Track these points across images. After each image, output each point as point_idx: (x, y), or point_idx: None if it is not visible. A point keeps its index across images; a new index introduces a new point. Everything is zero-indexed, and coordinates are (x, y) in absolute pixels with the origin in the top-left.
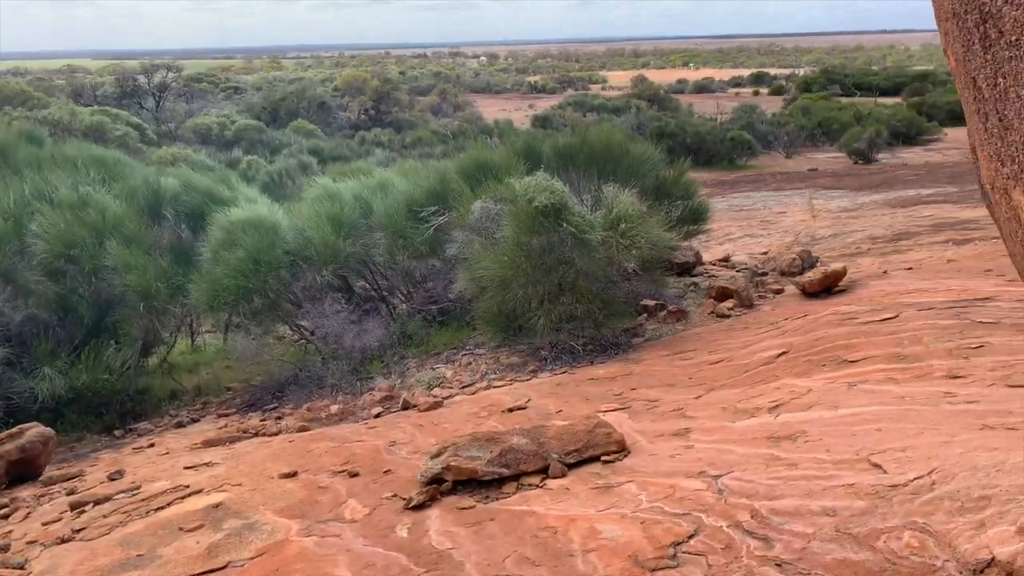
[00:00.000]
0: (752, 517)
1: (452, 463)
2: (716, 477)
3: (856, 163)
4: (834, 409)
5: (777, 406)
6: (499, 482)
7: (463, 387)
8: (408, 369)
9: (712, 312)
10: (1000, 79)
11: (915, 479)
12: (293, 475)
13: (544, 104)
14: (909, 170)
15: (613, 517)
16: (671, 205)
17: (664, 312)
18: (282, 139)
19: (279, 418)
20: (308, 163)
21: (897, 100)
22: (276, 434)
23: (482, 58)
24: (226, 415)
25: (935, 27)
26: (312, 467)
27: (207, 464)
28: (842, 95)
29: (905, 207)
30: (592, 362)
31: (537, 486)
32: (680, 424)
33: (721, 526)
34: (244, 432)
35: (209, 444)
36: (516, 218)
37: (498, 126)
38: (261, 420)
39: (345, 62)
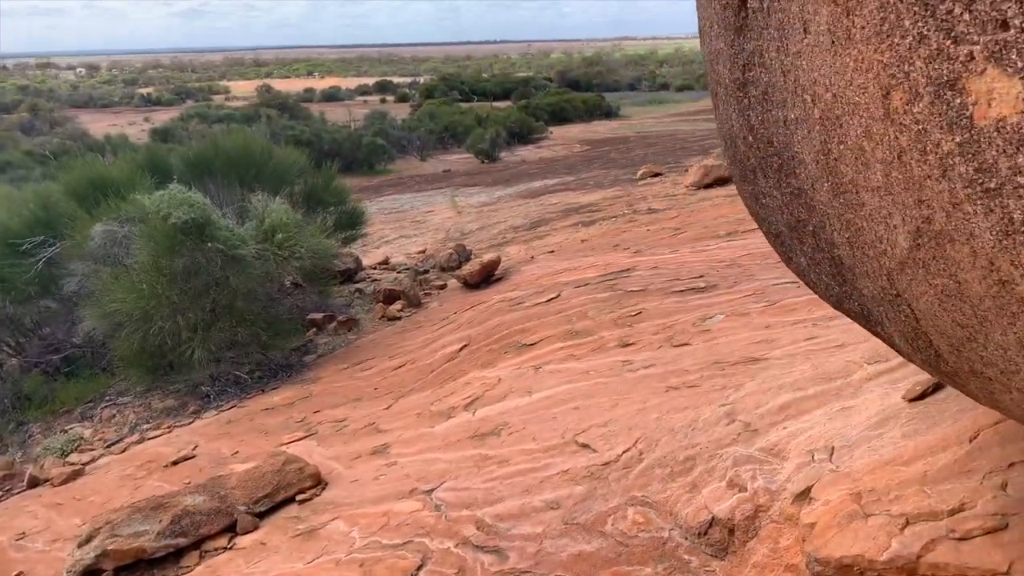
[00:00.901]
0: (479, 529)
1: (110, 546)
2: (429, 492)
3: (483, 162)
4: (528, 395)
5: (473, 401)
6: (176, 555)
7: (109, 446)
8: (31, 437)
9: (383, 316)
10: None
11: (624, 452)
12: None
13: (162, 117)
14: (530, 165)
15: (326, 567)
16: (325, 211)
17: (334, 323)
18: None
19: None
20: None
21: (508, 103)
22: None
23: (80, 70)
24: None
25: (527, 38)
26: None
27: None
28: (462, 100)
29: (535, 197)
30: (264, 390)
31: (226, 548)
32: (376, 440)
33: (449, 547)
34: None
35: None
36: (151, 239)
37: (110, 142)
38: None
39: None
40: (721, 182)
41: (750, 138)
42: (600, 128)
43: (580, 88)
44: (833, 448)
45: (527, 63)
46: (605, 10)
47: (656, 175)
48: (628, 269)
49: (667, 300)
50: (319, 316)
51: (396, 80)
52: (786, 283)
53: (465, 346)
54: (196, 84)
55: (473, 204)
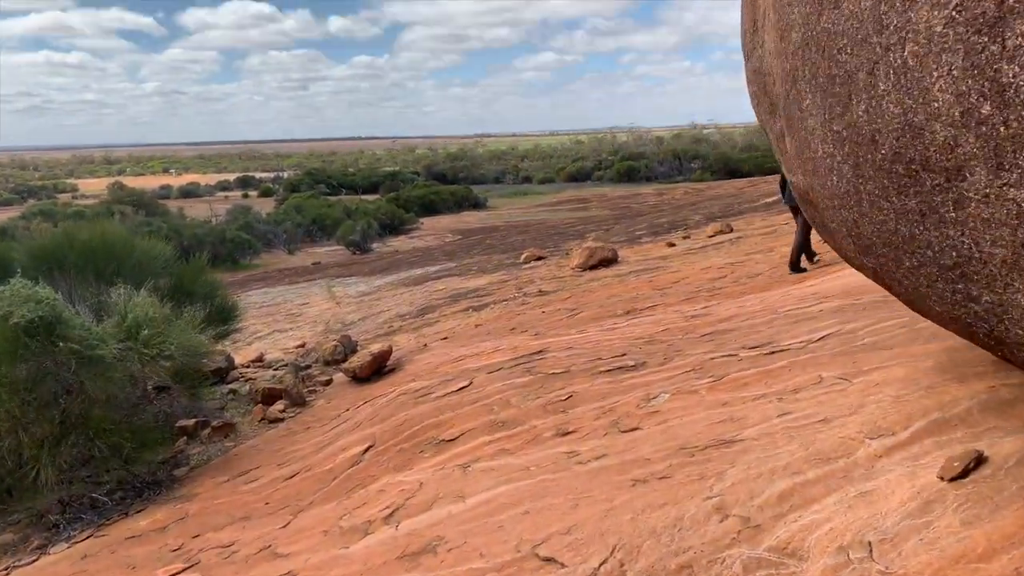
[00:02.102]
0: None
1: None
2: None
3: (354, 253)
4: (462, 500)
5: (393, 512)
6: None
7: None
8: None
9: (263, 418)
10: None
11: (601, 565)
12: None
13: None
14: (406, 254)
15: None
16: (194, 306)
17: (207, 429)
18: None
19: None
20: None
21: (377, 196)
22: None
23: None
24: None
25: (391, 134)
26: None
27: None
28: (329, 194)
29: (419, 284)
30: (128, 513)
31: None
32: (277, 569)
33: None
34: None
35: None
36: None
37: None
38: None
39: None
40: (606, 263)
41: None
42: (470, 218)
43: (447, 181)
44: (870, 543)
45: (393, 158)
46: (466, 109)
47: (539, 258)
48: (541, 351)
49: (597, 381)
50: (190, 422)
51: (259, 175)
52: (724, 357)
53: (370, 447)
54: (39, 182)
55: (352, 294)
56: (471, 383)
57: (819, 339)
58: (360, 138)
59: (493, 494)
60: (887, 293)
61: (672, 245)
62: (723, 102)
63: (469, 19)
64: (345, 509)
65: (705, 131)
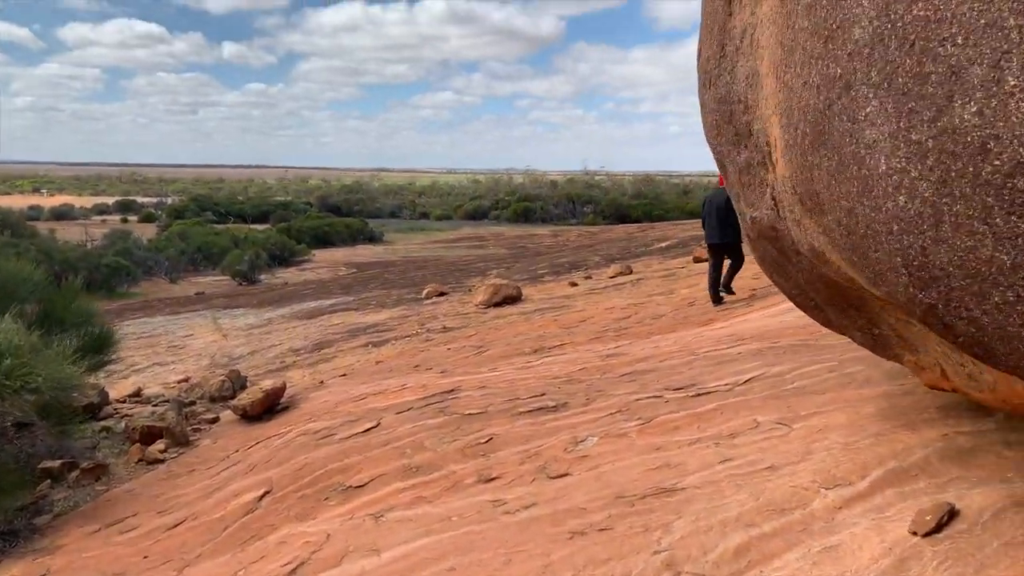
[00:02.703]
0: None
1: None
2: None
3: (240, 284)
4: (376, 555)
5: (297, 568)
6: None
7: None
8: None
9: (140, 459)
10: None
11: None
12: None
13: None
14: (297, 287)
15: None
16: (66, 335)
17: (76, 472)
18: None
19: None
20: None
21: (267, 226)
22: None
23: None
24: None
25: (284, 164)
26: None
27: None
28: (216, 222)
29: (313, 318)
30: None
31: None
32: None
33: None
34: None
35: None
36: None
37: None
38: None
39: None
40: (510, 300)
41: None
42: (365, 252)
43: (341, 213)
44: None
45: (285, 188)
46: (364, 142)
47: (442, 294)
48: (453, 390)
49: (518, 422)
50: (55, 463)
51: (141, 200)
52: (650, 398)
53: (267, 493)
54: None
55: (240, 326)
56: (379, 424)
57: (745, 382)
58: (251, 166)
59: (412, 547)
60: (806, 337)
61: (575, 284)
62: (614, 150)
63: (368, 54)
64: (240, 564)
65: (597, 177)
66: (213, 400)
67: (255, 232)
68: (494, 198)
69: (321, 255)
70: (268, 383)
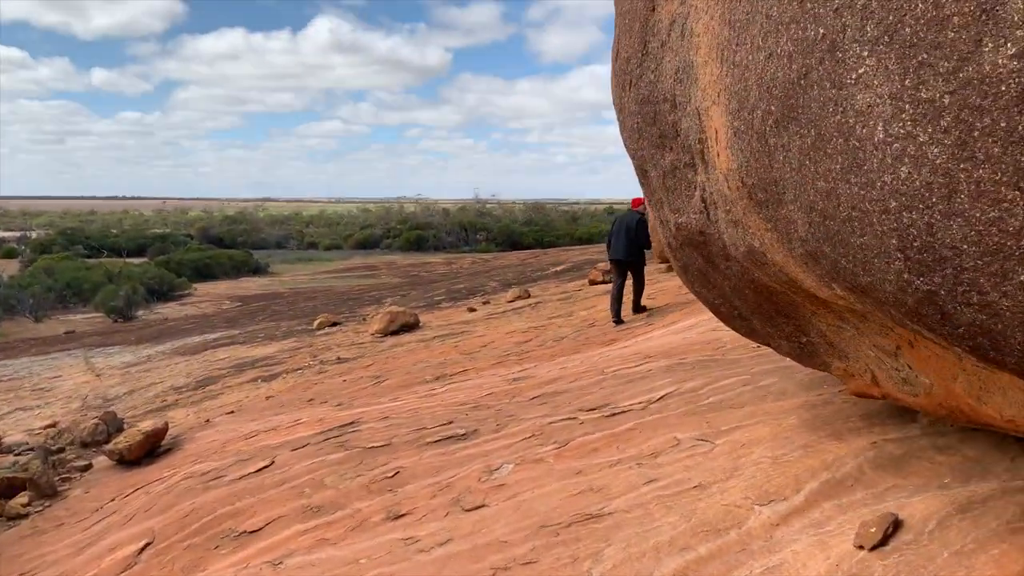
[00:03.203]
0: None
1: None
2: None
3: (116, 321)
4: None
5: None
6: None
7: None
8: None
9: (1, 515)
10: None
11: None
12: None
13: None
14: (178, 321)
15: None
16: None
17: None
18: None
19: None
20: None
21: (144, 259)
22: None
23: None
24: None
25: (161, 195)
26: None
27: None
28: (88, 256)
29: (197, 353)
30: None
31: None
32: None
33: None
34: None
35: None
36: None
37: None
38: None
39: None
40: (408, 328)
41: None
42: (250, 284)
43: (224, 245)
44: None
45: (163, 220)
46: (247, 172)
47: (335, 324)
48: (353, 422)
49: (426, 454)
50: None
51: (0, 234)
52: (563, 420)
53: (148, 544)
54: None
55: (116, 365)
56: (273, 462)
57: (659, 399)
58: (126, 197)
59: None
60: (712, 353)
61: (473, 310)
62: (503, 179)
63: (250, 83)
64: None
65: (488, 205)
66: (85, 445)
67: (131, 266)
68: (385, 227)
69: (203, 288)
70: (148, 424)
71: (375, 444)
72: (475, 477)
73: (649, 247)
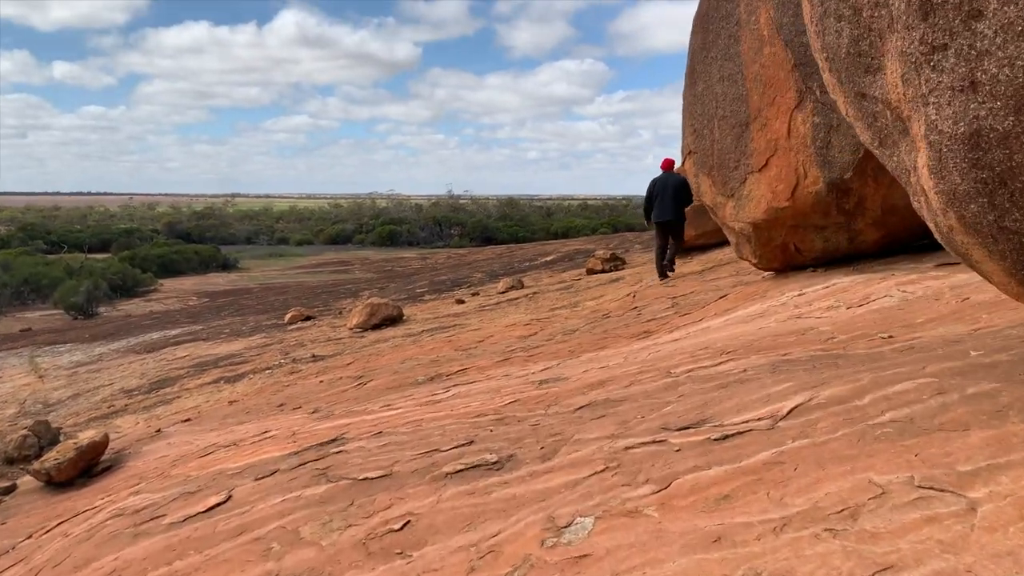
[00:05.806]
0: None
1: None
2: None
3: (76, 318)
4: None
5: None
6: None
7: None
8: None
9: None
10: None
11: None
12: None
13: None
14: (139, 318)
15: None
16: None
17: None
18: None
19: None
20: None
21: (108, 255)
22: None
23: None
24: None
25: (128, 191)
26: None
27: None
28: (48, 252)
29: (154, 351)
30: None
31: None
32: None
33: None
34: None
35: None
36: None
37: None
38: None
39: None
40: (391, 322)
41: None
42: (218, 280)
43: (192, 240)
44: None
45: (129, 215)
46: (215, 167)
47: (308, 318)
48: (336, 439)
49: (447, 493)
50: None
51: None
52: (646, 444)
53: None
54: None
55: (64, 365)
56: (230, 497)
57: (788, 413)
58: (91, 193)
59: None
60: (823, 346)
61: (462, 302)
62: (475, 175)
63: (215, 77)
64: None
65: (461, 200)
66: (11, 461)
67: (94, 261)
68: (358, 222)
69: (169, 284)
70: (87, 436)
71: (370, 475)
72: (534, 538)
73: (690, 204)
